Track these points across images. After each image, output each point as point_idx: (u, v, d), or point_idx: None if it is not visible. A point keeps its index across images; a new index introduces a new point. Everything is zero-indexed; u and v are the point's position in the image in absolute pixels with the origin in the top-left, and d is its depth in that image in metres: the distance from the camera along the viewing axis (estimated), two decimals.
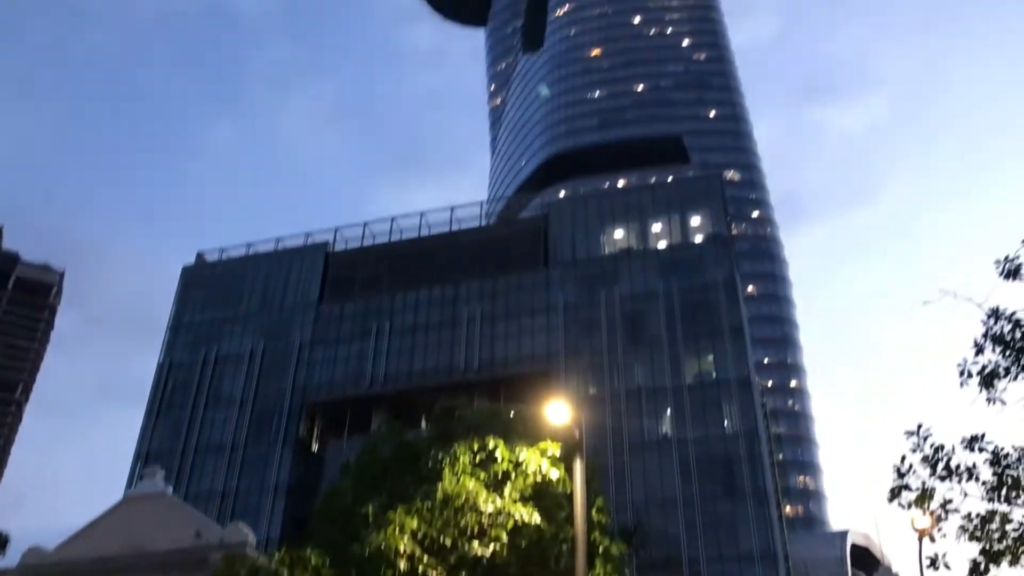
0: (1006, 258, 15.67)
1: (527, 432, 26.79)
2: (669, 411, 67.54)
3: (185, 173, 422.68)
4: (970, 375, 15.61)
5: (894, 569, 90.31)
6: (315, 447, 77.20)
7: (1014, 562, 15.17)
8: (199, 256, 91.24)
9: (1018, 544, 15.12)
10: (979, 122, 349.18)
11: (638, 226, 79.25)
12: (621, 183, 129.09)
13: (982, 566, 15.26)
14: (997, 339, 15.41)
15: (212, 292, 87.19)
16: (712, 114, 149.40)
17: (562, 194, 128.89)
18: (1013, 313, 15.35)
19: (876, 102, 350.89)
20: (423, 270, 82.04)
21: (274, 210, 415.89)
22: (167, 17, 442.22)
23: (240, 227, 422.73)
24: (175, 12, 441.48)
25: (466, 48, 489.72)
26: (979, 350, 15.62)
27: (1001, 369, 15.30)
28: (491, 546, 22.78)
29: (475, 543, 22.79)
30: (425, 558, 22.59)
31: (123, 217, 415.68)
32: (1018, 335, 15.21)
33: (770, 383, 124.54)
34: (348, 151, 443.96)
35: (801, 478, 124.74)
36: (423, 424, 49.13)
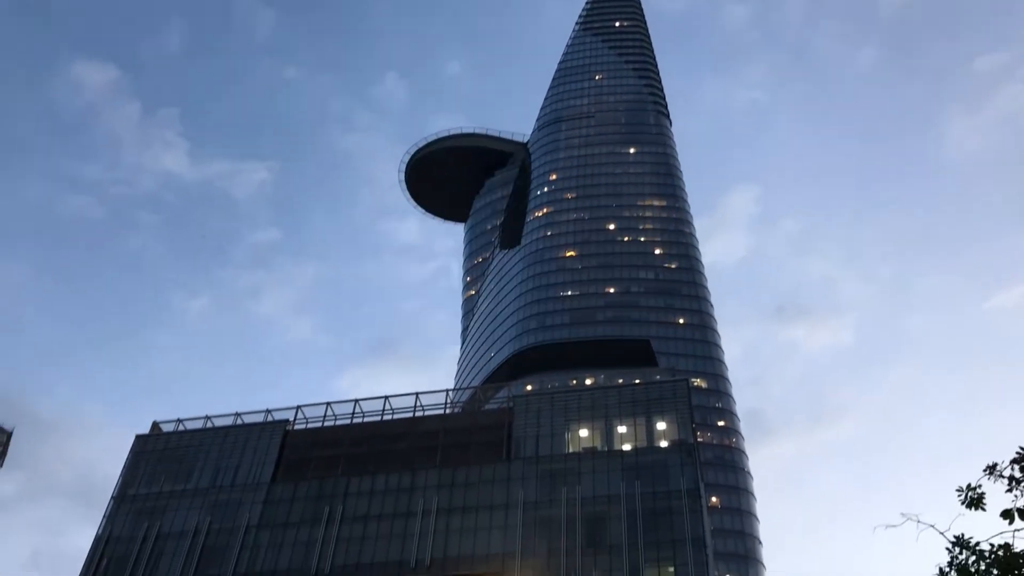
0: (968, 486, 15.56)
1: None
2: None
3: (154, 342, 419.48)
4: None
5: None
6: None
7: None
8: (154, 425, 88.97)
9: None
10: (942, 347, 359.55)
11: (603, 426, 78.74)
12: (588, 381, 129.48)
13: None
14: (962, 570, 15.04)
15: (163, 464, 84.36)
16: (681, 321, 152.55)
17: (528, 388, 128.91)
18: (977, 543, 15.08)
19: (842, 324, 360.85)
20: (382, 455, 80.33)
21: (239, 385, 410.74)
22: (162, 192, 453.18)
23: (203, 399, 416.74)
24: (171, 189, 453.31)
25: (446, 245, 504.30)
26: None
27: None
28: None
29: None
30: None
31: (84, 380, 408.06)
32: (982, 567, 14.87)
33: None
34: (320, 334, 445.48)
35: None
36: None
